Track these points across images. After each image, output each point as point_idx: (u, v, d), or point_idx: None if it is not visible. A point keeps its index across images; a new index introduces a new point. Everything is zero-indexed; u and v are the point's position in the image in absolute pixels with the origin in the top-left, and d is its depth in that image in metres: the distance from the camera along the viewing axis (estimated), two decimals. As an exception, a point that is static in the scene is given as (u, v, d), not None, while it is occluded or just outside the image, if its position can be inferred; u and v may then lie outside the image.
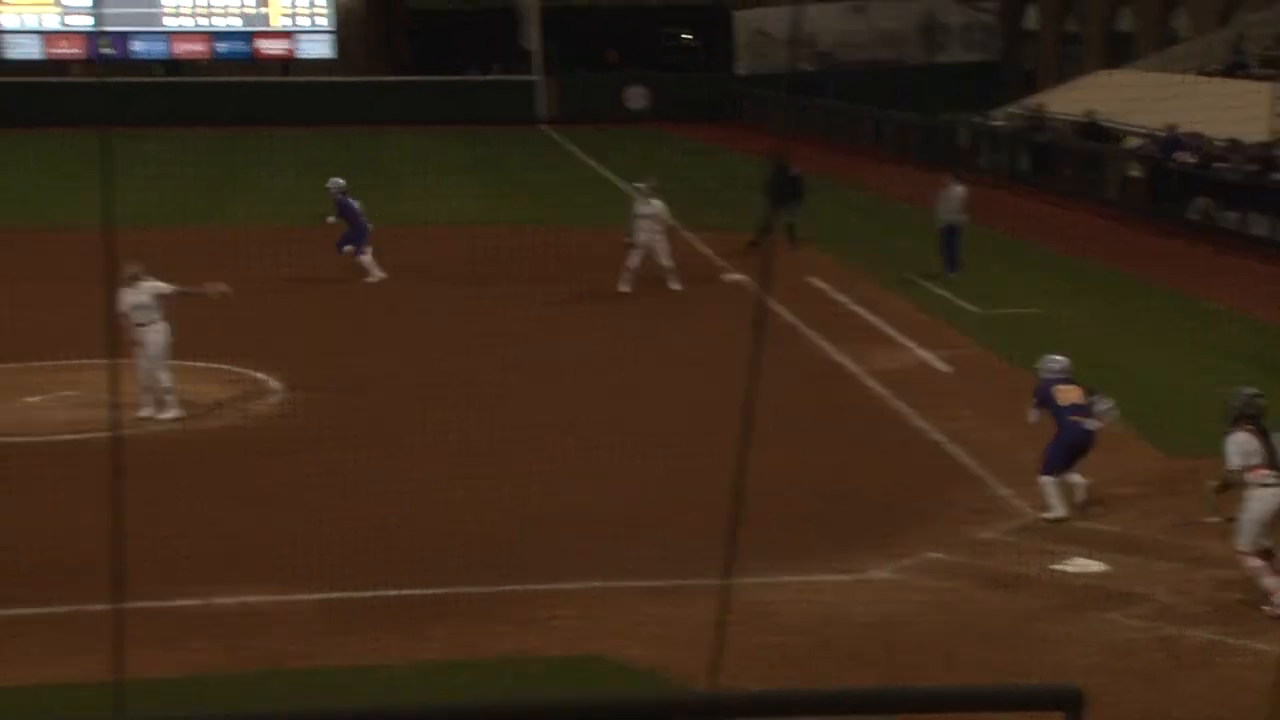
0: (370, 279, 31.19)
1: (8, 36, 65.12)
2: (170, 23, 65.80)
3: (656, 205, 30.92)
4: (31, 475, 18.86)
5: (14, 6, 64.88)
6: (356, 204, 31.80)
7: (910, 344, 26.09)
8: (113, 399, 19.45)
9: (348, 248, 31.58)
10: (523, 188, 46.62)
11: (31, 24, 65.19)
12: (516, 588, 15.86)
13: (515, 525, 17.55)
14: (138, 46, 65.75)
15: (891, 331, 27.04)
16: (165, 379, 20.90)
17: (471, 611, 15.31)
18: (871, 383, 23.78)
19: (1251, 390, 16.10)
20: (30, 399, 22.64)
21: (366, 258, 31.18)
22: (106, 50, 64.71)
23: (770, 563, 15.57)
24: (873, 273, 32.31)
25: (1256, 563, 15.40)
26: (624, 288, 30.14)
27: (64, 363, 23.55)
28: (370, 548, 16.65)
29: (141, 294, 20.78)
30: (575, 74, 65.63)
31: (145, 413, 20.63)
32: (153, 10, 65.19)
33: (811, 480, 18.76)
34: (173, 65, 67.02)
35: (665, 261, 30.59)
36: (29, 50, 65.18)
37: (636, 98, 63.94)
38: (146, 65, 66.58)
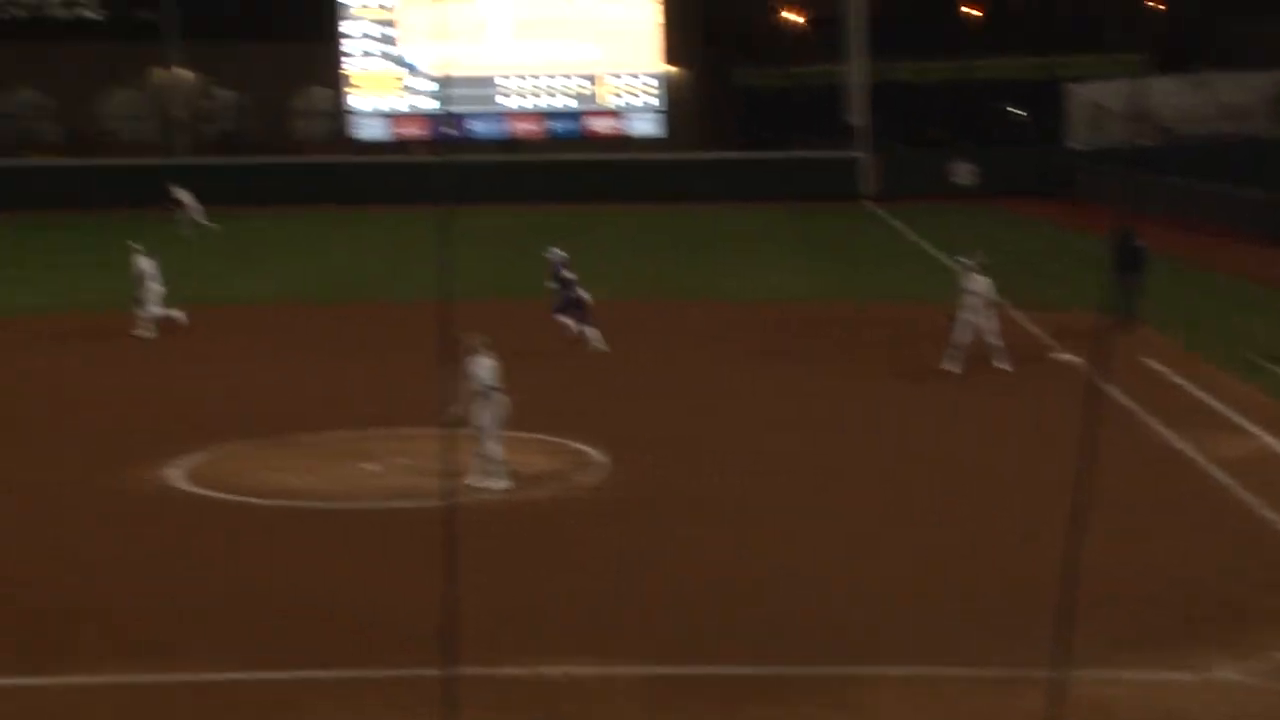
0: (593, 347, 31.16)
1: (357, 118, 67.49)
2: (507, 104, 67.41)
3: (982, 281, 29.63)
4: (366, 540, 19.32)
5: (363, 90, 67.19)
6: (574, 275, 31.87)
7: (1258, 431, 24.47)
8: (445, 468, 19.79)
9: (562, 318, 31.66)
10: (845, 263, 46.33)
11: (379, 106, 67.42)
12: (836, 670, 15.31)
13: (834, 599, 17.02)
14: (477, 127, 67.74)
15: (1237, 418, 25.37)
16: (496, 450, 21.01)
17: (790, 692, 14.83)
18: (1215, 471, 22.32)
19: None
20: (367, 465, 22.94)
21: (589, 330, 31.19)
22: (448, 131, 66.58)
23: (1106, 654, 14.66)
24: (1217, 355, 30.67)
25: None
26: (948, 366, 28.80)
27: (400, 431, 23.95)
28: (691, 620, 16.45)
29: (482, 366, 20.96)
30: (900, 149, 65.13)
31: (476, 482, 20.75)
32: (491, 92, 67.09)
33: (1149, 568, 17.78)
34: (509, 144, 68.48)
35: (992, 340, 29.15)
36: (376, 131, 67.66)
37: (963, 173, 63.05)
38: (484, 144, 68.05)
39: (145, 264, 33.62)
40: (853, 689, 14.86)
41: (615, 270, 44.08)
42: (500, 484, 20.78)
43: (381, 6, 66.80)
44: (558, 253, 32.72)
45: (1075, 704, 13.29)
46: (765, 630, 16.13)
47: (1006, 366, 28.78)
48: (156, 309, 33.18)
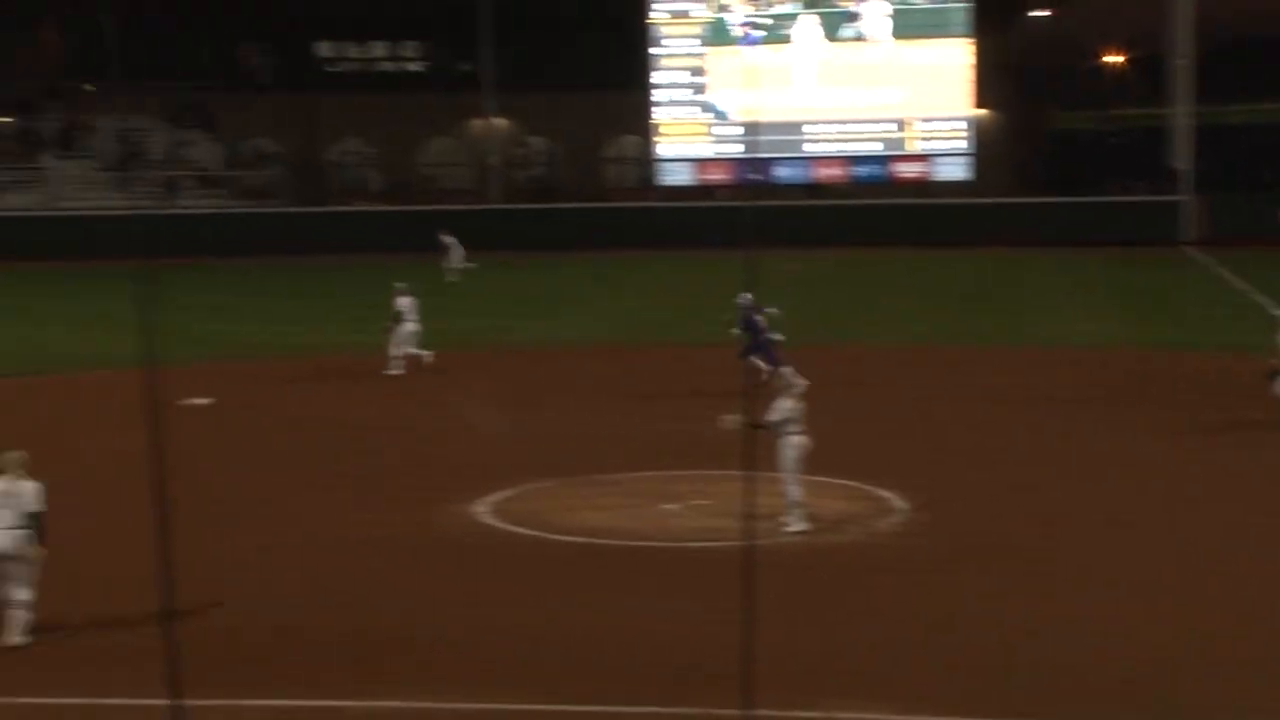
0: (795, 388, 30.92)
1: (664, 164, 67.98)
2: (812, 149, 67.25)
3: None
4: (665, 578, 19.21)
5: (671, 137, 67.70)
6: (761, 319, 31.23)
7: None
8: (746, 510, 19.49)
9: (754, 359, 31.04)
10: (1162, 310, 45.20)
11: (686, 152, 67.81)
12: None
13: (1140, 653, 16.38)
14: (782, 172, 67.68)
15: None
16: (795, 492, 20.71)
17: None
18: None
19: None
20: (667, 506, 22.89)
21: (785, 369, 30.84)
22: (754, 176, 66.64)
23: None
24: None
25: None
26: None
27: (699, 473, 23.86)
28: (991, 670, 15.96)
29: (781, 407, 20.68)
30: (1225, 193, 62.97)
31: (783, 525, 20.51)
32: (797, 138, 67.01)
33: None
34: (813, 189, 68.20)
35: None
36: (681, 177, 67.98)
37: (1292, 219, 60.80)
38: (789, 189, 67.97)
39: (405, 302, 34.25)
40: None
41: (914, 314, 43.87)
42: (798, 525, 20.43)
43: (690, 54, 67.14)
44: (747, 298, 32.19)
45: None
46: (1071, 687, 15.54)
47: None
48: (409, 348, 33.91)
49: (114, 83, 68.50)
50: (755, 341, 31.90)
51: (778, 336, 31.05)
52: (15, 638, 16.56)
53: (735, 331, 32.82)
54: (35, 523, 16.69)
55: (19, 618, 16.56)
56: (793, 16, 66.48)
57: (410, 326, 34.65)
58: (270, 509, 22.74)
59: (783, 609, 15.97)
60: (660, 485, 23.87)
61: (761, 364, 30.25)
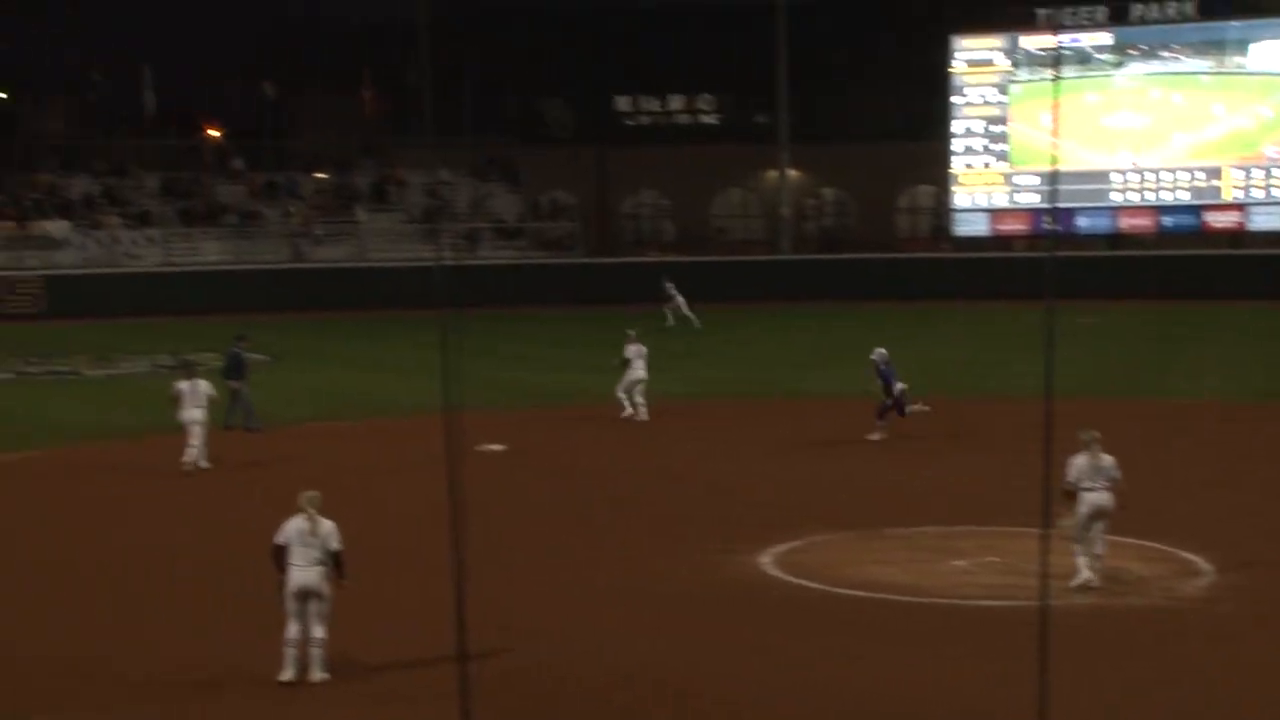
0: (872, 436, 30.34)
1: (958, 214, 67.20)
2: (1117, 198, 65.81)
3: None
4: (952, 636, 18.81)
5: (968, 187, 66.92)
6: (892, 371, 31.16)
7: None
8: (1041, 568, 18.63)
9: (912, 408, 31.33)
10: None
11: (981, 203, 66.98)
12: None
13: None
14: (1082, 222, 66.26)
15: None
16: (1098, 547, 20.14)
17: None
18: None
19: None
20: (957, 563, 22.51)
21: (915, 406, 30.26)
22: (1051, 226, 65.37)
23: None
24: None
25: None
26: None
27: (990, 529, 23.43)
28: None
29: (1100, 461, 20.12)
30: None
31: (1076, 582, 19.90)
32: (1101, 188, 65.58)
33: None
34: (1115, 239, 66.64)
35: None
36: (976, 227, 67.10)
37: None
38: (1089, 239, 66.54)
39: (633, 350, 34.37)
40: None
41: (1218, 370, 42.97)
42: (1084, 575, 19.90)
43: (986, 102, 66.39)
44: (881, 353, 31.71)
45: None
46: None
47: None
48: (635, 397, 34.04)
49: (423, 139, 70.53)
50: (887, 402, 31.78)
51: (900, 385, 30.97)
52: (317, 674, 16.95)
53: (880, 385, 32.33)
54: (334, 560, 17.10)
55: (317, 655, 16.95)
56: (1099, 60, 65.40)
57: (637, 374, 34.67)
58: (557, 555, 22.96)
59: (1074, 672, 15.58)
60: (950, 541, 23.50)
61: (879, 423, 30.70)
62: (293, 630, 16.88)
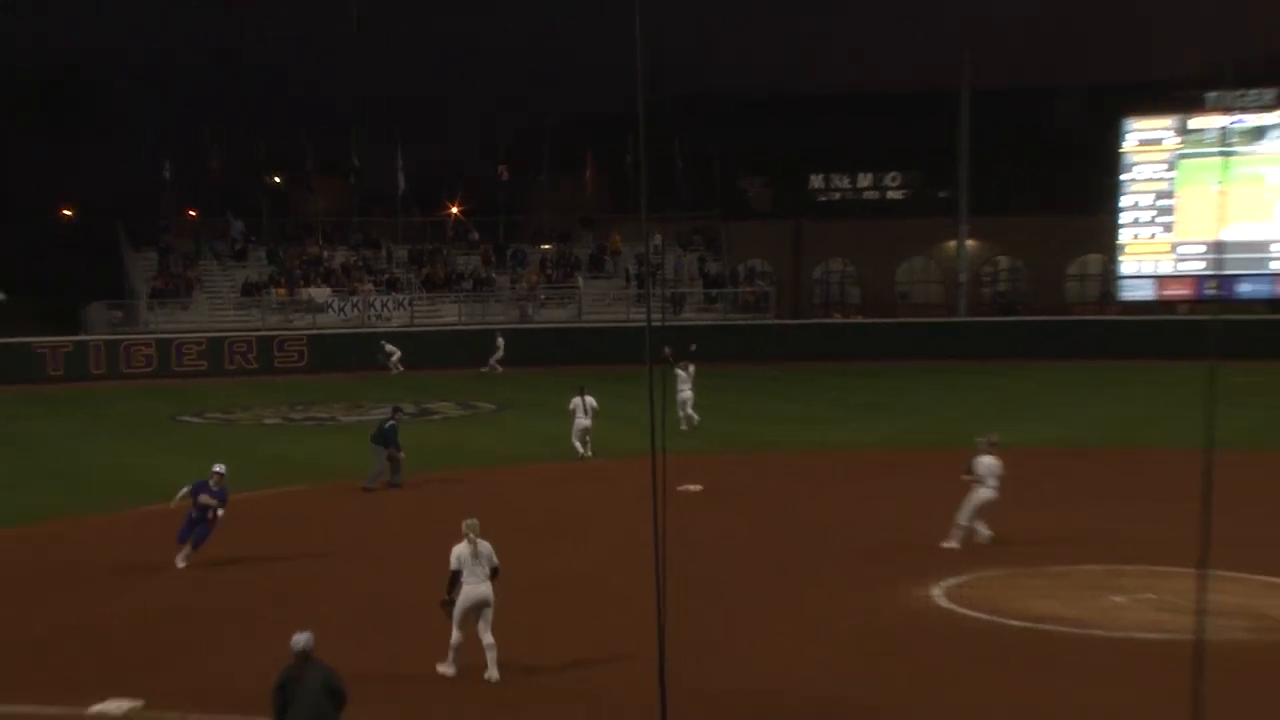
0: None
1: (1125, 280, 66.04)
2: (1277, 266, 63.96)
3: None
4: (1107, 667, 18.38)
5: (1136, 256, 65.71)
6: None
7: None
8: (1199, 605, 18.03)
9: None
10: None
11: (1147, 269, 65.67)
12: None
13: None
14: (1243, 288, 64.50)
15: None
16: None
17: None
18: None
19: None
20: (1114, 597, 22.01)
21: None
22: (1212, 291, 63.78)
23: None
24: None
25: None
26: None
27: (1149, 568, 22.91)
28: None
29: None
30: None
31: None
32: (1263, 256, 63.76)
33: None
34: (1274, 303, 64.79)
35: None
36: (1142, 292, 65.77)
37: None
38: (1249, 303, 64.87)
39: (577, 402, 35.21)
40: None
41: None
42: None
43: (1158, 178, 65.10)
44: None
45: None
46: None
47: None
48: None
49: (636, 213, 71.21)
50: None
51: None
52: (493, 673, 17.48)
53: None
54: (494, 573, 18.01)
55: (492, 657, 17.53)
56: (1262, 132, 63.64)
57: (584, 422, 35.24)
58: (741, 588, 22.80)
59: (1230, 707, 14.60)
60: (1109, 579, 22.97)
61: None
62: (456, 637, 17.81)
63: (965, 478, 25.62)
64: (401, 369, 58.41)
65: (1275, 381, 50.50)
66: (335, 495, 30.94)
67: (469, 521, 18.52)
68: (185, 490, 23.97)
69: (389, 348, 59.28)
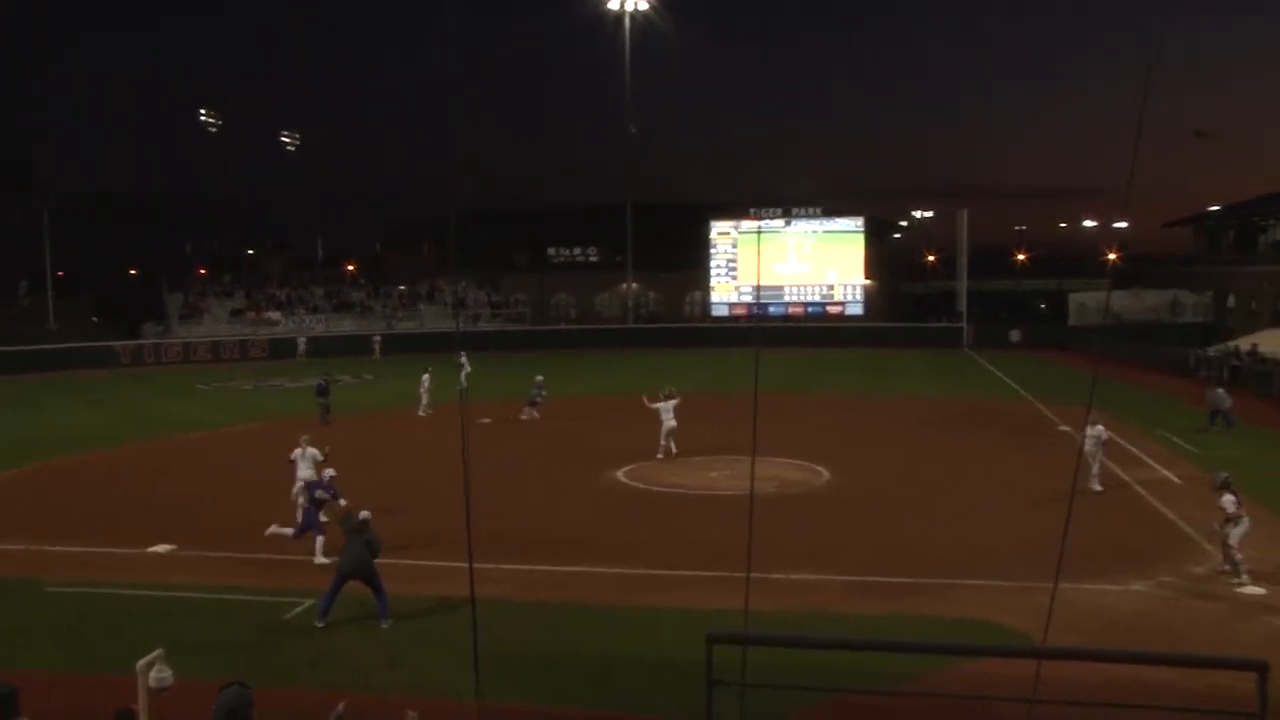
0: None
1: (714, 305, 64.49)
2: (788, 298, 63.72)
3: (1100, 430, 20.54)
4: (705, 510, 18.50)
5: (717, 292, 64.51)
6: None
7: (1159, 468, 22.83)
8: (751, 477, 19.40)
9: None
10: (956, 378, 43.14)
11: (723, 299, 64.97)
12: (953, 581, 14.54)
13: (954, 548, 16.16)
14: (772, 309, 63.33)
15: (1150, 461, 23.74)
16: (1235, 556, 14.89)
17: (929, 591, 14.18)
18: (1135, 485, 21.19)
19: None
20: (712, 473, 21.83)
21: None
22: (757, 311, 64.85)
23: (1076, 577, 14.21)
24: (1138, 427, 27.67)
25: None
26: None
27: (733, 457, 22.61)
28: (875, 552, 15.55)
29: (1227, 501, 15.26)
30: (982, 322, 62.59)
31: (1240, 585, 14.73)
32: (781, 293, 63.49)
33: (1097, 535, 16.78)
34: (787, 318, 63.77)
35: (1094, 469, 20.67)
36: (721, 311, 64.02)
37: (1015, 335, 60.48)
38: (776, 318, 63.74)
39: (426, 376, 31.39)
40: (955, 592, 14.20)
41: (843, 379, 41.73)
42: (1247, 586, 14.49)
43: (729, 249, 65.06)
44: (539, 382, 28.92)
45: (1059, 600, 12.75)
46: (932, 561, 15.44)
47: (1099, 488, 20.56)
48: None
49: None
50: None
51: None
52: (279, 529, 15.69)
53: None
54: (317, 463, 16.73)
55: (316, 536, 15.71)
56: (780, 230, 64.42)
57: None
58: (517, 475, 21.76)
59: (766, 527, 15.55)
60: (709, 464, 22.48)
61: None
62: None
63: (650, 404, 24.02)
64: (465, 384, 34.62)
65: (785, 357, 50.26)
66: (288, 428, 27.68)
67: (305, 437, 17.84)
68: (299, 486, 17.46)
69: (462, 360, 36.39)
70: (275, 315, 63.52)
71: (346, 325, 63.89)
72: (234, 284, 68.92)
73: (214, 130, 64.19)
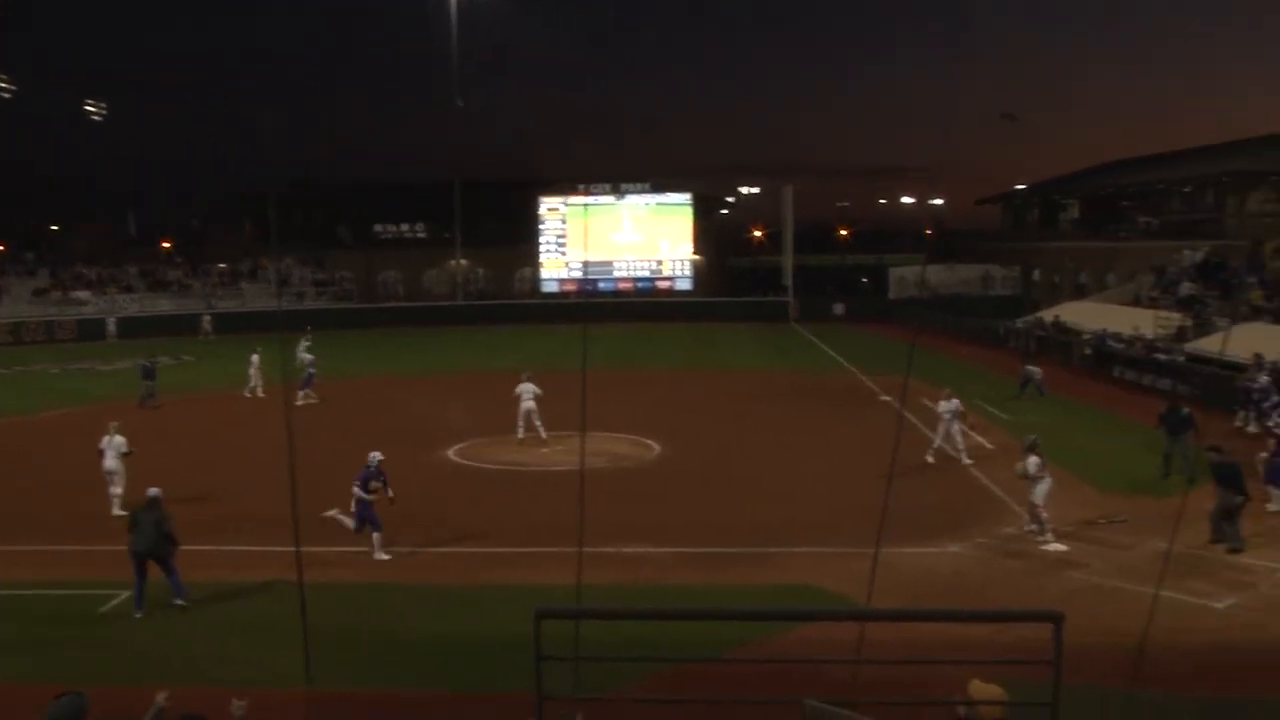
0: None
1: (544, 281, 64.95)
2: (618, 273, 64.98)
3: (955, 404, 20.67)
4: (538, 487, 18.49)
5: (548, 268, 64.66)
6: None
7: (974, 435, 22.84)
8: (581, 451, 20.26)
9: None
10: (781, 351, 43.97)
11: (554, 275, 65.59)
12: (777, 550, 14.83)
13: (778, 518, 16.60)
14: (602, 284, 64.15)
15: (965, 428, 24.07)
16: (1042, 515, 15.55)
17: (758, 560, 14.44)
18: (966, 461, 20.90)
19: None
20: (544, 450, 21.85)
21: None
22: (589, 287, 65.30)
23: (898, 541, 14.74)
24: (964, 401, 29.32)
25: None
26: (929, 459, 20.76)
27: (562, 435, 22.28)
28: (703, 524, 15.75)
29: (1032, 462, 15.69)
30: (807, 297, 64.79)
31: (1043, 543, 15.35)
32: (610, 268, 63.58)
33: (923, 502, 17.44)
34: (617, 293, 64.78)
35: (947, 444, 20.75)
36: (553, 287, 64.15)
37: (839, 308, 62.93)
38: (606, 293, 65.11)
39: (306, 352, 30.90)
40: (783, 560, 14.43)
41: (672, 353, 42.71)
42: (1051, 544, 15.11)
43: (559, 225, 65.61)
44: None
45: (884, 563, 13.27)
46: (756, 532, 15.69)
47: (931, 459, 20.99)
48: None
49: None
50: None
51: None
52: (118, 489, 16.06)
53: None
54: (123, 456, 16.49)
55: (117, 492, 16.18)
56: (609, 204, 64.99)
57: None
58: (348, 449, 19.97)
59: (596, 502, 15.42)
60: (541, 442, 22.30)
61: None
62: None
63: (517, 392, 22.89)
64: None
65: (615, 332, 49.76)
66: (105, 413, 26.71)
67: (114, 424, 17.17)
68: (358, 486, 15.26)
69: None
70: (84, 295, 58.57)
71: (163, 305, 59.92)
72: (36, 262, 63.27)
73: (7, 96, 58.07)
